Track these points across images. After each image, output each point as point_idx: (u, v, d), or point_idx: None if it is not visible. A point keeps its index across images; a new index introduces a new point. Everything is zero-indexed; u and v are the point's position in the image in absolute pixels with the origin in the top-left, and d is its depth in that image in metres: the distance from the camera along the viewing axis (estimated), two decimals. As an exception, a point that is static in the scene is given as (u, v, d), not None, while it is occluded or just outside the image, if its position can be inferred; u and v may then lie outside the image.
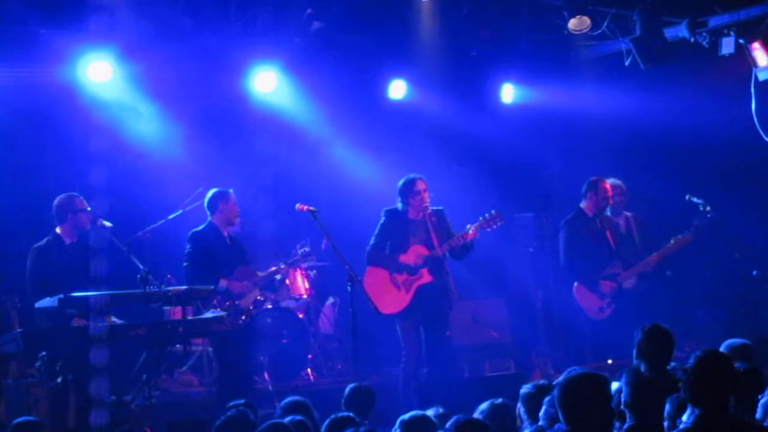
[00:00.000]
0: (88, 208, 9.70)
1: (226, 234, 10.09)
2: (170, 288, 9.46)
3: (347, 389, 7.43)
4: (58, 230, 9.75)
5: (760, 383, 6.09)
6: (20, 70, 11.03)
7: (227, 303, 9.68)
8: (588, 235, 10.60)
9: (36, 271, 9.64)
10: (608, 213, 11.07)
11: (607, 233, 10.68)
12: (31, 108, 11.26)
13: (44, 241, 9.73)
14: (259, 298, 10.20)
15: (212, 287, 9.55)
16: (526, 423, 6.40)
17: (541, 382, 6.56)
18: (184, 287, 9.32)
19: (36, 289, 9.38)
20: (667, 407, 5.56)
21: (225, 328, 9.37)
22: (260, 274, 10.25)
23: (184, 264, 9.97)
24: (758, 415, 5.89)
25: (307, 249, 10.88)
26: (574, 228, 10.69)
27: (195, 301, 9.46)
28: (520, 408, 6.52)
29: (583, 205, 10.77)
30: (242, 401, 7.07)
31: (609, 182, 10.98)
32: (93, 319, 8.83)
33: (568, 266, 10.68)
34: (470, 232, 10.00)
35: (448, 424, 5.67)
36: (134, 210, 11.34)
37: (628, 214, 11.31)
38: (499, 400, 6.37)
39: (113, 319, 9.19)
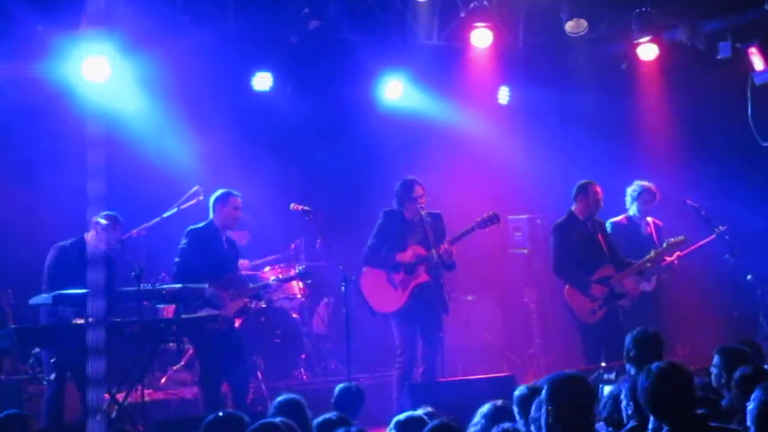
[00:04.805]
0: (103, 222, 9.40)
1: (224, 237, 9.86)
2: (164, 286, 9.44)
3: (336, 389, 7.44)
4: (86, 236, 9.59)
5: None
6: (16, 66, 11.00)
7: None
8: (579, 239, 10.54)
9: (50, 269, 9.56)
10: (631, 213, 11.07)
11: (599, 236, 10.63)
12: (27, 105, 11.22)
13: (68, 241, 9.63)
14: (246, 305, 10.07)
15: (206, 286, 9.46)
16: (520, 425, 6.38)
17: (535, 384, 6.54)
18: (178, 285, 9.29)
19: (48, 287, 9.34)
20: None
21: (219, 327, 9.35)
22: (251, 286, 10.12)
23: (176, 259, 9.75)
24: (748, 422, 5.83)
25: (302, 267, 10.76)
26: (564, 232, 10.62)
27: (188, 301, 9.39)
28: (515, 410, 6.51)
29: (573, 208, 10.70)
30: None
31: (645, 185, 10.98)
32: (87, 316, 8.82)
33: (559, 270, 10.64)
34: (443, 246, 9.98)
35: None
36: (129, 208, 11.31)
37: (649, 219, 11.24)
38: (500, 402, 6.33)
39: None
